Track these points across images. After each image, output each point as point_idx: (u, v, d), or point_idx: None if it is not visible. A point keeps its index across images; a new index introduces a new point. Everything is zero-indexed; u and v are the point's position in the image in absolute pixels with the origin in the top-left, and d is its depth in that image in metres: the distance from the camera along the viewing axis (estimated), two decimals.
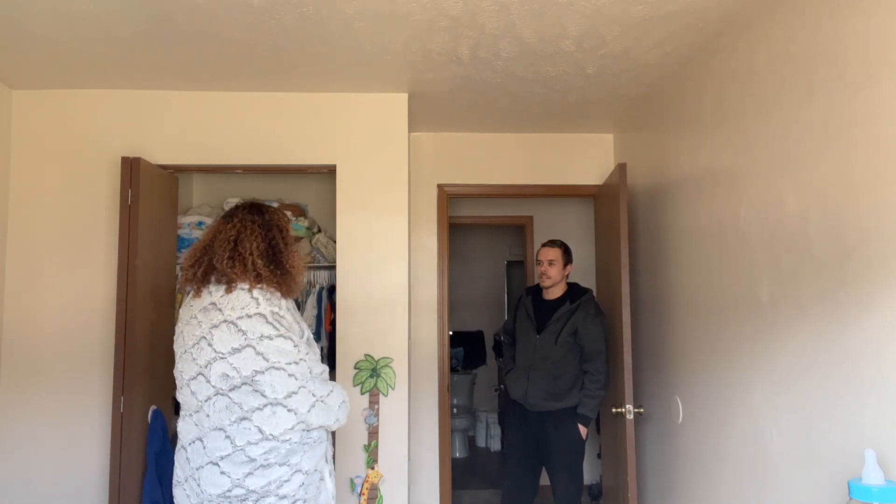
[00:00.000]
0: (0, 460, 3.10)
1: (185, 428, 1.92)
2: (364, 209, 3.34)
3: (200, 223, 4.10)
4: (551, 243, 3.55)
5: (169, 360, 3.53)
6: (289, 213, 4.19)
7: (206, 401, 1.83)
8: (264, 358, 1.80)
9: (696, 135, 2.82)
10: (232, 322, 1.82)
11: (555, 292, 3.52)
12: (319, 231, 4.38)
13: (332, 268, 4.11)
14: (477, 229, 7.41)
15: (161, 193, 3.34)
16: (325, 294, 4.09)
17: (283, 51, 2.79)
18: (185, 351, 1.90)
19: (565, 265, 3.52)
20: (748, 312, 2.33)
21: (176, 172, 3.52)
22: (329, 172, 3.48)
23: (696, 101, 2.82)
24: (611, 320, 3.47)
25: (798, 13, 2.05)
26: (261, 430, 1.80)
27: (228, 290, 1.87)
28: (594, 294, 3.60)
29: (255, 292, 1.87)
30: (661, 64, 2.92)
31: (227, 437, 1.82)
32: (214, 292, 1.89)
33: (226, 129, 3.33)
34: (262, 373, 1.79)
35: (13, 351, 3.14)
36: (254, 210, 2.02)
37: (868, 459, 1.53)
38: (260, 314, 1.83)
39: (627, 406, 3.12)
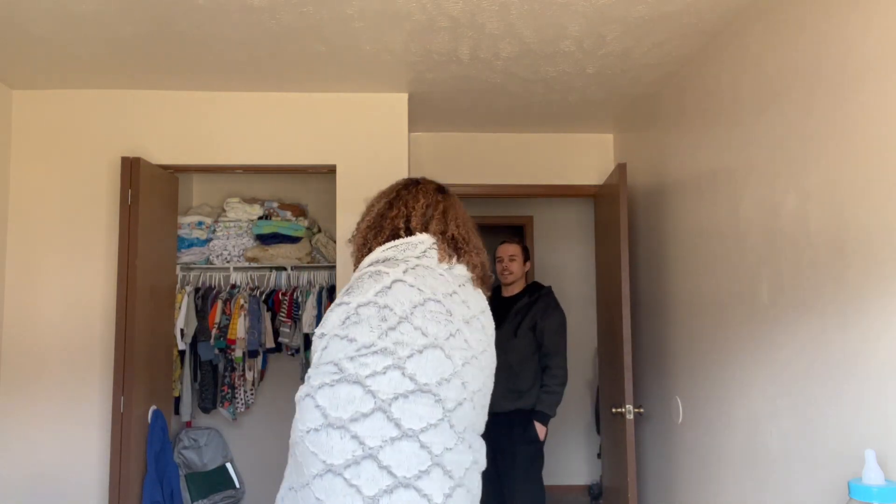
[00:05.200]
0: (0, 460, 3.10)
1: None
2: (364, 209, 3.33)
3: (200, 223, 4.11)
4: (509, 240, 3.59)
5: (169, 359, 3.54)
6: (288, 213, 4.21)
7: None
8: None
9: (696, 135, 2.82)
10: None
11: (514, 289, 3.53)
12: (319, 231, 4.38)
13: (332, 268, 4.11)
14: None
15: (161, 193, 3.34)
16: (325, 294, 4.09)
17: (283, 51, 2.79)
18: None
19: (524, 262, 3.55)
20: (748, 312, 2.33)
21: (176, 172, 3.52)
22: (329, 172, 3.48)
23: (695, 101, 2.82)
24: (611, 320, 3.47)
25: (798, 13, 2.05)
26: None
27: None
28: (552, 290, 3.60)
29: None
30: (661, 64, 2.92)
31: None
32: None
33: (226, 129, 3.33)
34: None
35: (13, 351, 3.14)
36: None
37: (868, 459, 1.53)
38: None
39: (627, 406, 3.11)
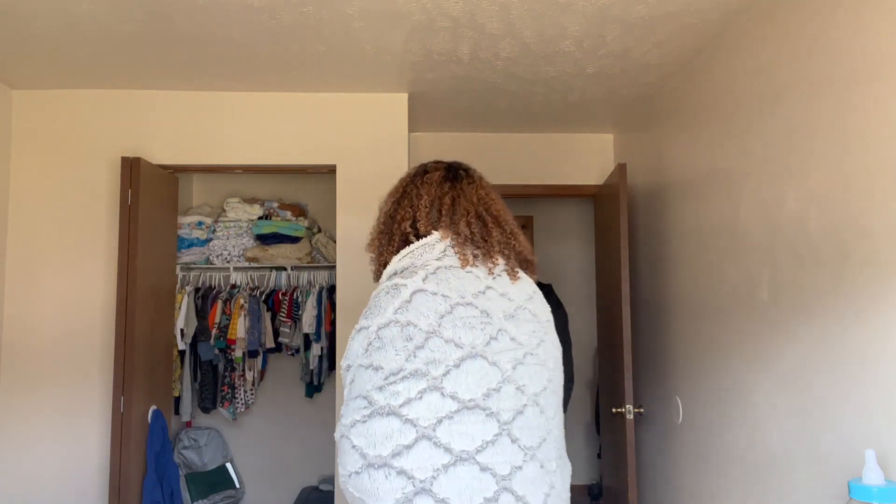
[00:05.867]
0: (0, 460, 3.10)
1: None
2: (364, 209, 3.34)
3: (200, 223, 4.11)
4: None
5: (169, 359, 3.54)
6: (288, 213, 4.21)
7: None
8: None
9: (696, 135, 2.82)
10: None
11: None
12: (319, 231, 4.38)
13: (332, 268, 4.11)
14: None
15: (161, 193, 3.34)
16: (325, 294, 4.09)
17: (283, 51, 2.79)
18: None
19: None
20: (748, 312, 2.33)
21: (176, 172, 3.52)
22: (329, 172, 3.48)
23: (696, 101, 2.82)
24: (611, 320, 3.46)
25: (799, 13, 2.05)
26: None
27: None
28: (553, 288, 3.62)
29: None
30: (661, 64, 2.92)
31: None
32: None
33: (226, 129, 3.33)
34: None
35: (13, 351, 3.13)
36: None
37: (868, 459, 1.53)
38: None
39: (627, 406, 3.11)
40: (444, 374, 1.18)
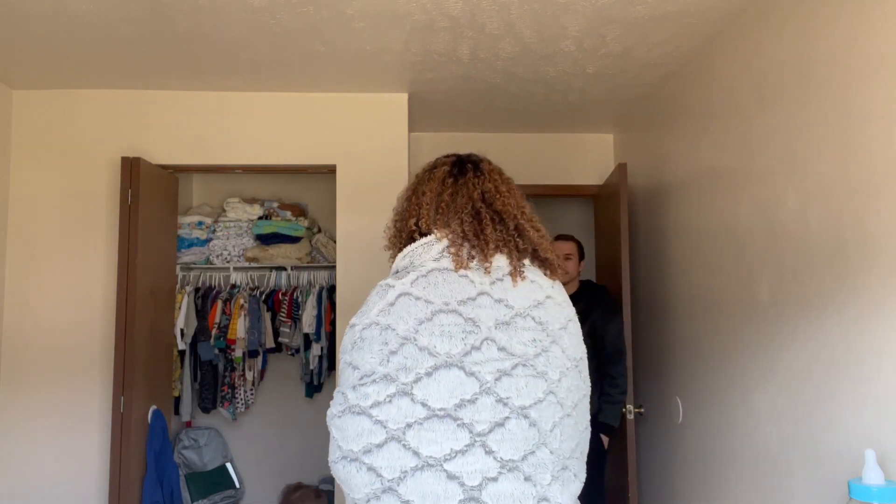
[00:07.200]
0: (0, 460, 3.11)
1: None
2: (364, 209, 3.34)
3: (200, 223, 4.11)
4: (565, 237, 3.31)
5: (169, 359, 3.54)
6: (288, 213, 4.21)
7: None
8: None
9: (697, 134, 2.82)
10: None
11: (568, 290, 3.24)
12: (319, 231, 4.38)
13: (332, 268, 4.11)
14: None
15: (161, 193, 3.34)
16: (325, 294, 4.09)
17: (283, 51, 2.79)
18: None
19: (579, 260, 3.30)
20: (748, 312, 2.33)
21: (176, 172, 3.52)
22: (329, 172, 3.48)
23: (695, 101, 2.82)
24: None
25: (798, 13, 2.05)
26: None
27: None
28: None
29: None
30: (661, 64, 2.92)
31: None
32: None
33: (226, 129, 3.33)
34: None
35: (13, 351, 3.13)
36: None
37: (868, 459, 1.53)
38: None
39: (628, 406, 3.11)
40: (415, 382, 1.17)
